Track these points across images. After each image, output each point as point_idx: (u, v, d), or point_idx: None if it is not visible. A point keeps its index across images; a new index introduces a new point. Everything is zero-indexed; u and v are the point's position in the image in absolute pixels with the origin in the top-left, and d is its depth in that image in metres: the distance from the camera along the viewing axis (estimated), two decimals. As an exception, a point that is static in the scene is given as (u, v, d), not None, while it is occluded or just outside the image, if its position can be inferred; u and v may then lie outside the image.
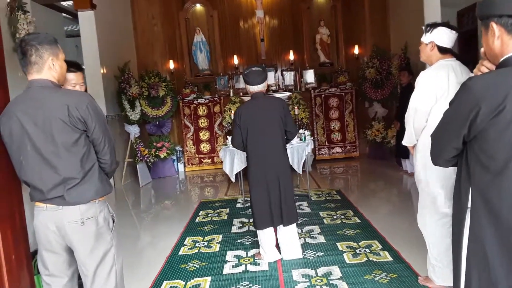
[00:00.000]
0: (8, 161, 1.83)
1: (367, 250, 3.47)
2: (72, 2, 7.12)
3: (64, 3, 9.47)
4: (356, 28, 8.19)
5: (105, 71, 6.83)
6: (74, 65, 2.34)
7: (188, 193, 6.71)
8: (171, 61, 8.19)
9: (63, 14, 10.56)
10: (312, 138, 5.57)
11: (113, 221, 2.04)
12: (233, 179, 4.94)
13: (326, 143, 7.90)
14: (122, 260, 2.05)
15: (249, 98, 3.43)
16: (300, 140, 5.16)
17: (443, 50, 2.54)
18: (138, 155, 6.90)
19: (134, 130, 7.04)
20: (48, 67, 1.87)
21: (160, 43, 8.32)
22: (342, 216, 4.43)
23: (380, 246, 3.54)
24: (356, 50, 8.10)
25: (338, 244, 3.65)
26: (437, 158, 1.50)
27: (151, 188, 6.87)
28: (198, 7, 8.36)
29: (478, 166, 1.34)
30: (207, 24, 8.33)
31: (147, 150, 7.09)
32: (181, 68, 8.31)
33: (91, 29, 6.67)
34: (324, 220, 4.33)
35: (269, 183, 3.23)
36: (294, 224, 3.37)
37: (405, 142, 2.74)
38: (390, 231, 3.84)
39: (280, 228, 3.34)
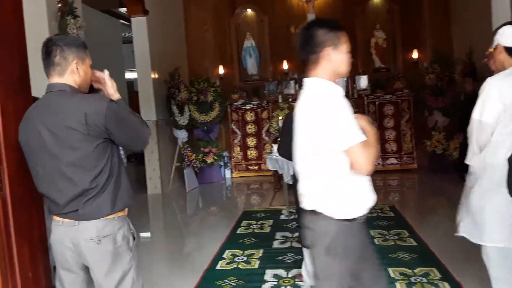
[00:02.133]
0: (27, 172, 1.73)
1: (424, 280, 3.07)
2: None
3: (122, 10, 9.80)
4: (415, 31, 7.65)
5: (156, 76, 6.89)
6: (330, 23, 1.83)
7: (233, 200, 6.57)
8: (220, 67, 8.13)
9: (121, 21, 10.92)
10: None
11: (134, 239, 1.87)
12: (287, 179, 4.70)
13: (380, 154, 7.40)
14: (142, 283, 1.87)
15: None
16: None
17: None
18: (185, 160, 6.87)
19: (182, 135, 7.03)
20: (71, 70, 1.74)
21: (210, 49, 8.29)
22: (396, 237, 4.02)
23: (439, 276, 3.12)
24: (414, 55, 7.57)
25: (390, 270, 3.27)
26: None
27: (197, 194, 6.81)
28: (249, 12, 8.25)
29: None
30: (257, 29, 8.19)
31: (194, 155, 7.05)
32: (230, 73, 8.23)
33: (143, 35, 6.76)
34: (375, 240, 3.96)
35: None
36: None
37: (468, 160, 2.35)
38: (451, 258, 3.39)
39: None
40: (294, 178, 4.61)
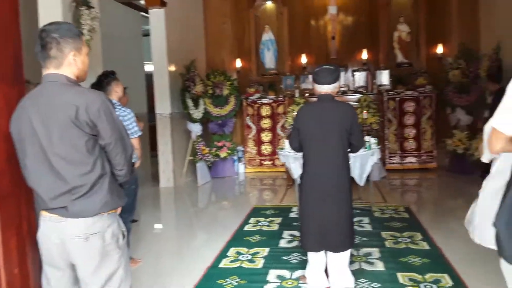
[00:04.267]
0: (16, 163, 1.70)
1: (434, 286, 2.93)
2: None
3: (142, 2, 9.80)
4: (441, 25, 7.35)
5: (172, 68, 6.86)
6: None
7: (244, 195, 6.51)
8: (238, 60, 8.04)
9: (142, 13, 10.95)
10: (379, 146, 5.02)
11: (124, 237, 1.82)
12: (295, 176, 4.58)
13: (398, 152, 7.20)
14: (130, 284, 1.82)
15: (315, 99, 3.03)
16: (365, 148, 4.65)
17: None
18: (199, 153, 6.84)
19: (196, 129, 7.00)
20: (68, 62, 1.69)
21: (229, 42, 8.21)
22: (408, 240, 3.87)
23: (451, 283, 2.97)
24: (439, 49, 7.28)
25: (399, 274, 3.14)
26: None
27: (209, 188, 6.77)
28: (269, 4, 8.12)
29: None
30: (277, 22, 8.05)
31: (207, 149, 7.01)
32: (248, 67, 8.13)
33: (160, 27, 6.75)
34: (386, 243, 3.82)
35: (324, 199, 2.82)
36: (348, 250, 2.93)
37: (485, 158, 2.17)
38: (465, 265, 3.24)
39: (331, 252, 2.92)
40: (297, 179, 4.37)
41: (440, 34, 7.33)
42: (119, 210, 1.85)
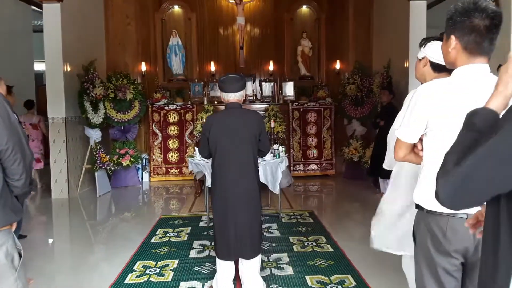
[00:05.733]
0: None
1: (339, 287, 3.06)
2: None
3: (34, -5, 8.87)
4: (339, 43, 7.93)
5: (68, 69, 6.29)
6: None
7: (149, 206, 6.19)
8: (143, 63, 7.70)
9: (32, 7, 9.92)
10: (286, 154, 5.17)
11: (20, 257, 1.57)
12: (209, 184, 4.46)
13: (302, 159, 7.53)
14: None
15: (223, 108, 2.99)
16: (274, 156, 4.75)
17: (436, 68, 2.14)
18: (98, 161, 6.34)
19: (95, 134, 6.48)
20: None
21: (132, 44, 7.83)
22: (314, 243, 4.02)
23: (354, 283, 3.13)
24: (337, 65, 7.83)
25: (307, 277, 3.23)
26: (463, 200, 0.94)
27: (110, 199, 6.30)
28: (176, 8, 7.95)
29: None
30: (185, 27, 7.91)
31: (108, 156, 6.54)
32: (154, 71, 7.83)
33: (55, 23, 6.16)
34: (294, 247, 3.91)
35: (237, 206, 2.77)
36: (259, 256, 2.92)
37: (386, 165, 2.34)
38: (365, 265, 3.44)
39: (242, 260, 2.88)
40: (206, 188, 4.38)
41: (339, 51, 7.90)
42: (14, 226, 1.59)
